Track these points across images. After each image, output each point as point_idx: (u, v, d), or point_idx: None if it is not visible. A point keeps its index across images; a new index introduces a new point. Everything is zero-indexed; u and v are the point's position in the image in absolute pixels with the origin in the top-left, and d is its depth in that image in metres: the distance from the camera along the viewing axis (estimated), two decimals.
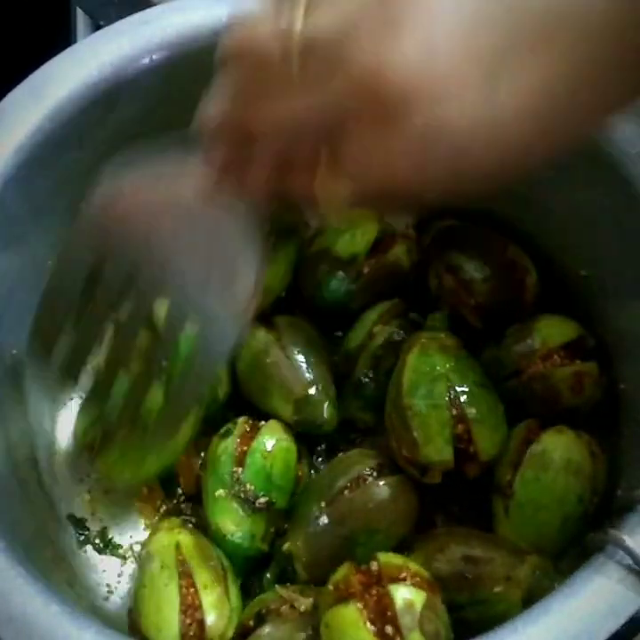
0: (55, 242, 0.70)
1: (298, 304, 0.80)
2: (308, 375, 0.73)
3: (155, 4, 0.69)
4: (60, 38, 0.84)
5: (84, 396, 0.75)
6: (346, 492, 0.67)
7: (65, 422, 0.76)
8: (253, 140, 0.47)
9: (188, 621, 0.62)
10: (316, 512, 0.68)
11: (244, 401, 0.75)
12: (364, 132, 0.42)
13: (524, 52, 0.40)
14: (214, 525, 0.68)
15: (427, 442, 0.66)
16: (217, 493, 0.68)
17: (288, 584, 0.67)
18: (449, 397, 0.67)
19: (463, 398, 0.67)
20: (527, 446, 0.67)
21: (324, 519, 0.67)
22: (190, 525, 0.71)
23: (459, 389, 0.67)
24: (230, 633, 0.64)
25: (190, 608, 0.63)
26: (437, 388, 0.67)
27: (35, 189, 0.65)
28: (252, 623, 0.64)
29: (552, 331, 0.72)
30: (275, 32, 0.42)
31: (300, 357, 0.74)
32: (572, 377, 0.70)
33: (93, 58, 0.65)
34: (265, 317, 0.76)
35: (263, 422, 0.72)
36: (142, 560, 0.67)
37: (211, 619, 0.63)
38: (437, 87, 0.40)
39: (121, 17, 0.66)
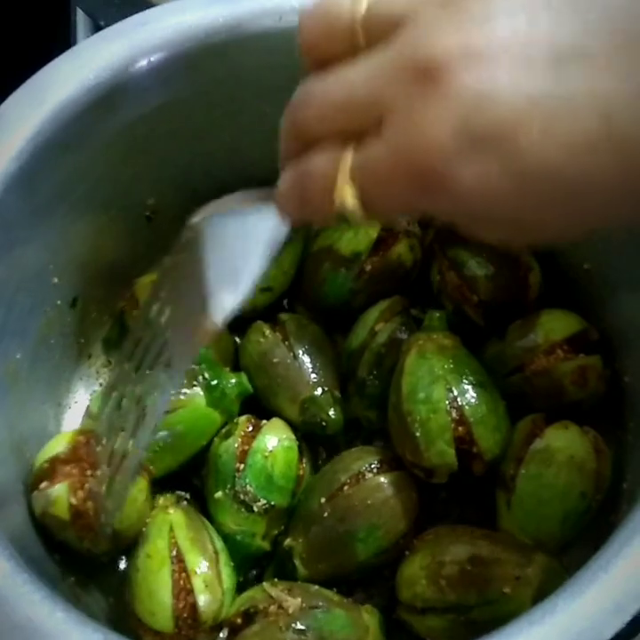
0: (56, 245, 0.70)
1: (300, 302, 0.80)
2: (314, 376, 0.73)
3: (155, 5, 0.69)
4: (60, 38, 0.84)
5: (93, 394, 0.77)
6: (345, 487, 0.68)
7: (69, 425, 0.76)
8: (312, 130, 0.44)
9: (182, 605, 0.63)
10: (316, 508, 0.68)
11: (251, 397, 0.75)
12: (408, 101, 0.39)
13: (605, 57, 0.37)
14: (216, 523, 0.69)
15: (428, 446, 0.67)
16: (216, 495, 0.69)
17: (275, 580, 0.67)
18: (448, 400, 0.67)
19: (462, 400, 0.67)
20: (531, 441, 0.67)
21: (324, 515, 0.68)
22: (185, 502, 0.71)
23: (457, 391, 0.67)
24: (224, 614, 0.65)
25: (183, 591, 0.64)
26: (436, 392, 0.67)
27: (36, 193, 0.65)
28: (239, 621, 0.64)
29: (555, 325, 0.71)
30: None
31: (307, 358, 0.74)
32: (576, 371, 0.69)
33: (92, 60, 0.65)
34: (270, 315, 0.77)
35: (265, 421, 0.72)
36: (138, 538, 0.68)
37: (203, 602, 0.63)
38: (490, 50, 0.38)
39: (121, 17, 0.66)
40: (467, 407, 0.67)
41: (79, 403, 0.78)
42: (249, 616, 0.64)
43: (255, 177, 0.79)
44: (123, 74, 0.66)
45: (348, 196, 0.42)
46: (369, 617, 0.64)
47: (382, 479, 0.68)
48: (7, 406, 0.67)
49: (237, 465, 0.68)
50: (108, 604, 0.69)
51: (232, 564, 0.68)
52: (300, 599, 0.64)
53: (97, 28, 0.81)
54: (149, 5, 0.69)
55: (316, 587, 0.66)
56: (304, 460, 0.72)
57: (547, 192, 0.39)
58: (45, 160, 0.65)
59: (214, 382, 0.71)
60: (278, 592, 0.64)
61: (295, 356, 0.74)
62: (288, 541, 0.68)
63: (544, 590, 0.60)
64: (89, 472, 0.65)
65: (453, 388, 0.67)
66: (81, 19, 0.85)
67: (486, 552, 0.64)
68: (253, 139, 0.75)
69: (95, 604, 0.68)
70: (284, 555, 0.69)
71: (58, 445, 0.67)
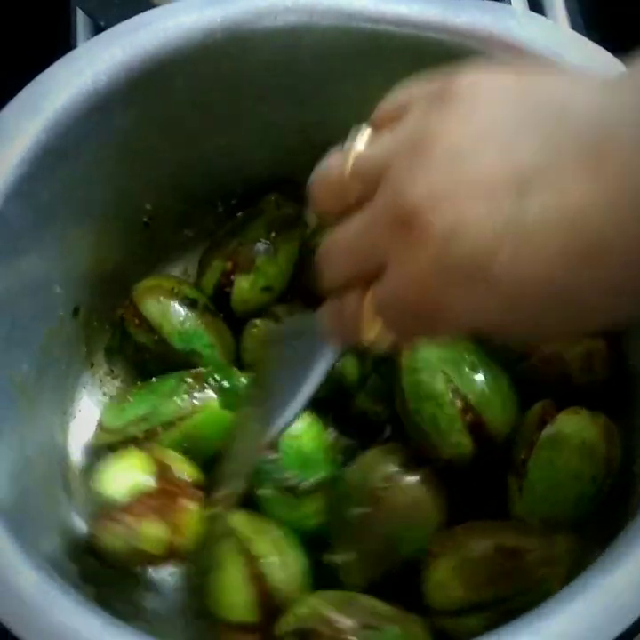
0: (58, 253, 0.70)
1: (298, 299, 0.80)
2: None
3: (155, 5, 0.69)
4: (60, 39, 0.84)
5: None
6: (379, 492, 0.67)
7: (75, 434, 0.76)
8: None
9: (258, 591, 0.64)
10: (354, 517, 0.68)
11: None
12: (397, 248, 0.43)
13: (568, 171, 0.39)
14: (271, 517, 0.69)
15: (443, 440, 0.67)
16: (260, 492, 0.69)
17: (325, 593, 0.66)
18: (450, 392, 0.68)
19: (464, 388, 0.68)
20: (542, 426, 0.68)
21: (365, 523, 0.67)
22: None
23: (457, 380, 0.68)
24: (298, 594, 0.65)
25: (255, 579, 0.65)
26: (437, 386, 0.68)
27: (36, 202, 0.65)
28: None
29: None
30: (340, 157, 0.48)
31: None
32: (582, 356, 0.70)
33: (89, 65, 0.65)
34: (268, 310, 0.77)
35: None
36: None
37: (277, 586, 0.65)
38: (452, 191, 0.41)
39: (122, 18, 0.66)
40: (469, 393, 0.67)
41: (83, 411, 0.77)
42: (301, 635, 0.62)
43: (253, 179, 0.80)
44: (120, 77, 0.66)
45: (372, 329, 0.48)
46: (420, 629, 0.63)
47: (412, 478, 0.68)
48: (16, 418, 0.66)
49: (271, 457, 0.68)
50: (128, 614, 0.68)
51: (298, 545, 0.68)
52: (353, 618, 0.62)
53: (97, 28, 0.80)
54: (150, 6, 0.68)
55: (367, 599, 0.65)
56: (328, 430, 0.72)
57: (534, 307, 0.42)
58: (44, 169, 0.65)
59: (226, 384, 0.71)
60: (330, 612, 0.63)
61: None
62: (332, 556, 0.68)
63: (573, 568, 0.60)
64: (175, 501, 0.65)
65: (453, 379, 0.68)
66: (81, 19, 0.85)
67: (511, 542, 0.64)
68: (251, 140, 0.76)
69: (116, 615, 0.67)
70: (329, 569, 0.68)
71: (130, 473, 0.65)
